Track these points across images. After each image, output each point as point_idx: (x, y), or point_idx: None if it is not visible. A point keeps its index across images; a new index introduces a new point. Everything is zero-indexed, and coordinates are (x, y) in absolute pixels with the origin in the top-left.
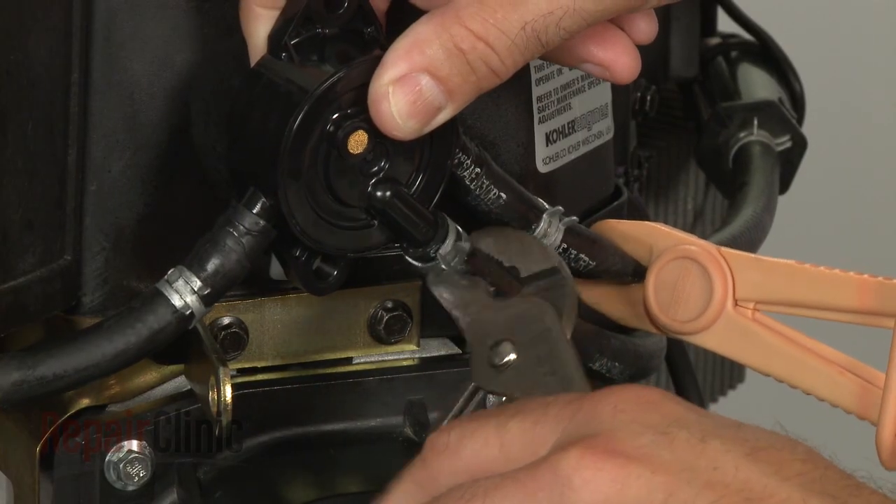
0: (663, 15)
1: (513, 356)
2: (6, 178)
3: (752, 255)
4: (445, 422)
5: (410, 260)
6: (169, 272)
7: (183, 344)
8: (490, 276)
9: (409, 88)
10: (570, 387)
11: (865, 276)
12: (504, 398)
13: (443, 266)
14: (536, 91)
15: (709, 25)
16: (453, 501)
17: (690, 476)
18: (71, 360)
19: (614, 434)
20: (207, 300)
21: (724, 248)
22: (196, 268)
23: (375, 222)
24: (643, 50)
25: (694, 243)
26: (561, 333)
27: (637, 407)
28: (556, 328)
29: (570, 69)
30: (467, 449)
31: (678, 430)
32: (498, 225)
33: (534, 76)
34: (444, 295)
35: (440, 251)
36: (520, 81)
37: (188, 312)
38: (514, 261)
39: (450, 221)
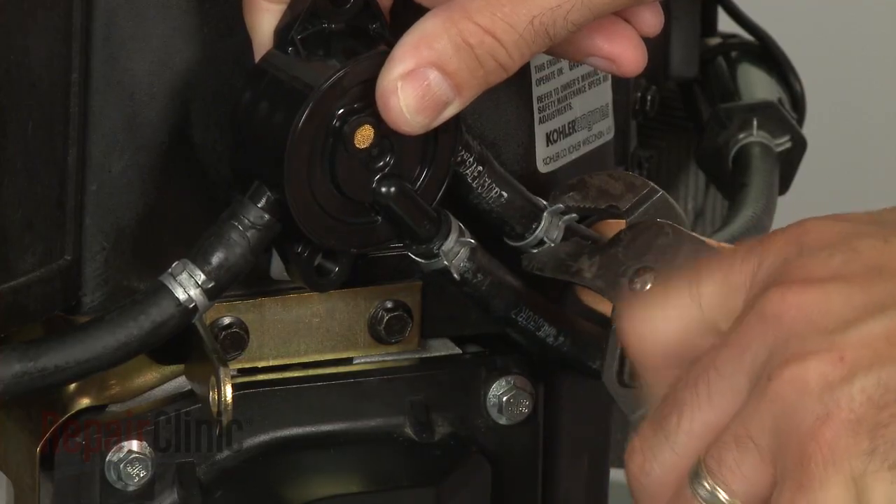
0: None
1: (654, 277)
2: (6, 178)
3: None
4: (611, 364)
5: (413, 256)
6: (173, 265)
7: (183, 344)
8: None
9: (417, 83)
10: None
11: None
12: None
13: (445, 262)
14: (537, 91)
15: (709, 25)
16: (682, 392)
17: (883, 274)
18: (73, 351)
19: (806, 266)
20: (211, 294)
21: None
22: (200, 261)
23: (379, 218)
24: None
25: None
26: (683, 231)
27: (819, 235)
28: (678, 231)
29: (571, 69)
30: (665, 328)
31: (860, 241)
32: (573, 181)
33: (534, 76)
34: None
35: (443, 248)
36: (520, 81)
37: (192, 306)
38: (607, 201)
39: (452, 219)
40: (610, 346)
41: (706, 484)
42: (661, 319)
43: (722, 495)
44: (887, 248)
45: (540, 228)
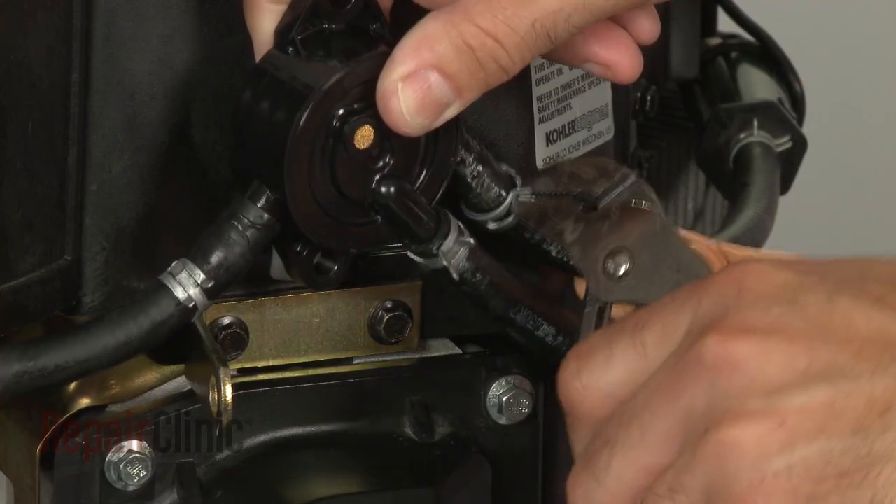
0: (663, 15)
1: (629, 262)
2: (6, 178)
3: (753, 251)
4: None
5: (412, 256)
6: (172, 264)
7: (183, 344)
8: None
9: (418, 85)
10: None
11: None
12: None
13: (444, 262)
14: (537, 91)
15: (709, 26)
16: (615, 430)
17: (826, 336)
18: (72, 351)
19: (744, 314)
20: (211, 293)
21: (724, 245)
22: (200, 260)
23: (378, 218)
24: (644, 49)
25: (695, 240)
26: (671, 227)
27: (759, 282)
28: (666, 224)
29: (571, 69)
30: (609, 380)
31: (804, 296)
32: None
33: (534, 76)
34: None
35: (442, 247)
36: (520, 81)
37: (191, 305)
38: (579, 186)
39: (452, 218)
40: (583, 328)
41: None
42: (598, 384)
43: None
44: (831, 307)
45: (504, 205)
